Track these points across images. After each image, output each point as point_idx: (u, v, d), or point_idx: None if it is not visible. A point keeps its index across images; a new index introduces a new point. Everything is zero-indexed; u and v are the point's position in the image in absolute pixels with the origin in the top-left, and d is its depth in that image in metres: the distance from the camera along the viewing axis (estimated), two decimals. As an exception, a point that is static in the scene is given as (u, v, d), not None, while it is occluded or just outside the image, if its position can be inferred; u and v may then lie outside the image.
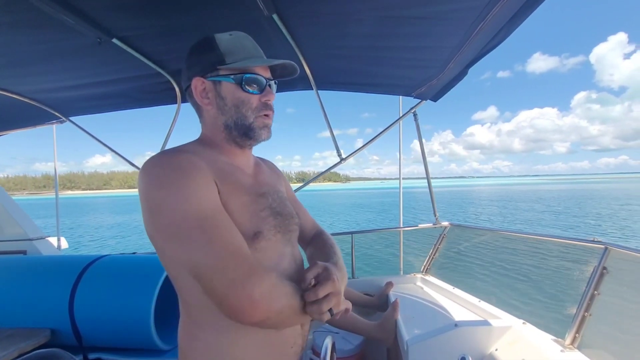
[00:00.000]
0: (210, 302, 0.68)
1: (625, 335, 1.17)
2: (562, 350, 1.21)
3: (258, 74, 0.78)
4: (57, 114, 2.48)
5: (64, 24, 1.30)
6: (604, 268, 1.25)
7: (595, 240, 1.35)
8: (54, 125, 2.81)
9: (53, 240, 2.97)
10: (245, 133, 0.79)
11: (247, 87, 0.76)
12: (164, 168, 0.66)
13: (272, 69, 0.84)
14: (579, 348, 1.22)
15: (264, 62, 0.77)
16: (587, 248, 1.38)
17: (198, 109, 0.83)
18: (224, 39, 0.77)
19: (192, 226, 0.62)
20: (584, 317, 1.25)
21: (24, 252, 2.68)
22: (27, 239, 2.72)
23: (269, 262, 0.75)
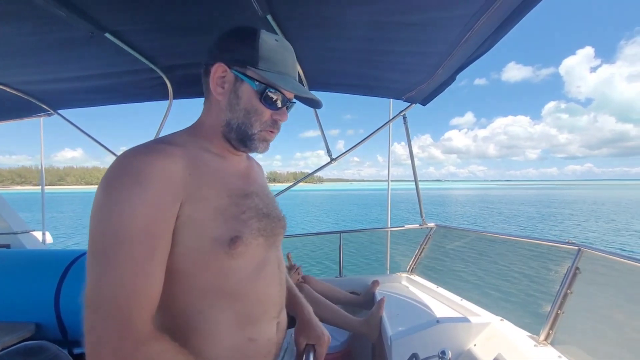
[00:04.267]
0: (181, 306, 0.65)
1: (594, 331, 1.24)
2: (535, 345, 1.27)
3: (281, 93, 0.73)
4: (44, 106, 2.44)
5: (56, 17, 1.28)
6: (577, 268, 1.32)
7: (570, 242, 1.42)
8: (41, 118, 2.77)
9: (38, 234, 2.92)
10: (242, 140, 0.75)
11: (265, 100, 0.72)
12: (121, 169, 0.59)
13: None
14: (552, 344, 1.29)
15: (295, 91, 0.72)
16: (562, 249, 1.45)
17: (208, 91, 0.76)
18: (268, 42, 0.72)
19: (104, 246, 0.55)
20: (557, 315, 1.31)
21: (7, 246, 2.63)
22: (11, 232, 2.67)
23: (249, 269, 0.71)
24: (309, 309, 0.97)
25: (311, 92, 2.42)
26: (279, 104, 0.74)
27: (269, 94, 0.72)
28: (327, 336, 0.92)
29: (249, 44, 0.71)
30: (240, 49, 0.72)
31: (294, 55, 0.78)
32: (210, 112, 0.77)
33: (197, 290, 0.65)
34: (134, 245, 0.55)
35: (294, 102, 0.80)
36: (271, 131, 0.76)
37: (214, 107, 0.76)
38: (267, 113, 0.74)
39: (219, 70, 0.72)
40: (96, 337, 0.52)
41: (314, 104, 0.81)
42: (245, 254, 0.69)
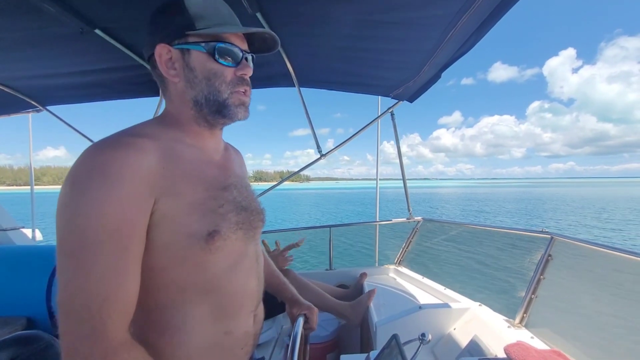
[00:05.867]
0: (151, 301, 0.63)
1: (564, 313, 1.33)
2: (509, 327, 1.36)
3: (233, 44, 0.69)
4: (33, 102, 2.43)
5: (46, 13, 1.28)
6: (549, 255, 1.41)
7: (544, 230, 1.51)
8: (30, 115, 2.75)
9: (27, 231, 2.91)
10: (218, 110, 0.71)
11: (220, 57, 0.68)
12: (88, 165, 0.55)
13: (250, 42, 0.76)
14: (526, 326, 1.37)
15: (240, 30, 0.69)
16: (536, 238, 1.54)
17: (162, 82, 0.72)
18: (195, 2, 0.67)
19: (72, 247, 0.52)
20: (531, 299, 1.40)
21: None
22: (0, 229, 2.66)
23: (226, 263, 0.69)
24: (294, 290, 1.12)
25: (302, 89, 2.46)
26: (236, 57, 0.70)
27: (221, 48, 0.68)
28: (315, 307, 1.07)
29: (176, 11, 0.67)
30: (170, 20, 0.67)
31: (225, 4, 0.74)
32: (172, 101, 0.73)
33: (172, 286, 0.64)
34: (104, 246, 0.53)
35: (252, 55, 0.75)
36: (242, 91, 0.72)
37: (174, 94, 0.72)
38: (228, 72, 0.70)
39: (162, 52, 0.68)
40: (68, 343, 0.51)
41: (271, 43, 0.77)
42: (223, 248, 0.67)
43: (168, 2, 0.69)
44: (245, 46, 0.73)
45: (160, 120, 0.72)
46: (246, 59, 0.73)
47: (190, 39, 0.67)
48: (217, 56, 0.68)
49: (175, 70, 0.69)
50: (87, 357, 0.51)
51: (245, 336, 0.75)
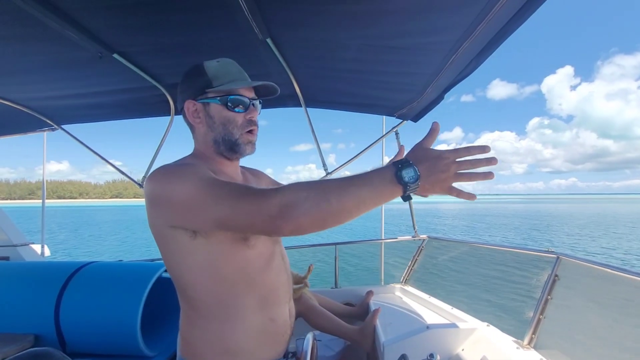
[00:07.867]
0: (213, 296, 0.80)
1: (573, 334, 1.32)
2: (518, 349, 1.34)
3: (241, 95, 0.88)
4: (48, 121, 2.51)
5: (68, 39, 1.36)
6: (556, 275, 1.41)
7: (550, 250, 1.51)
8: (45, 133, 2.83)
9: (36, 247, 2.94)
10: (231, 148, 0.90)
11: (232, 106, 0.87)
12: (168, 170, 0.77)
13: (257, 89, 0.94)
14: (535, 347, 1.36)
15: (243, 85, 0.88)
16: (542, 258, 1.54)
17: (191, 127, 0.93)
18: (212, 65, 0.88)
19: (202, 188, 0.72)
20: (539, 320, 1.39)
21: (7, 258, 2.65)
22: (11, 245, 2.69)
23: (262, 261, 0.85)
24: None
25: (308, 109, 2.52)
26: (245, 104, 0.88)
27: (232, 99, 0.86)
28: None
29: (199, 75, 0.87)
30: (195, 82, 0.88)
31: (236, 64, 0.93)
32: (199, 141, 0.93)
33: (225, 282, 0.80)
34: (211, 180, 0.73)
35: (259, 100, 0.94)
36: (250, 131, 0.90)
37: (200, 136, 0.92)
38: (239, 117, 0.88)
39: (190, 106, 0.88)
40: (255, 210, 0.67)
41: (272, 90, 0.95)
42: (257, 246, 0.83)
43: (192, 68, 0.89)
44: (252, 94, 0.91)
45: (193, 156, 0.93)
46: (253, 104, 0.90)
47: (210, 95, 0.86)
48: (230, 105, 0.86)
49: (199, 119, 0.89)
50: (269, 208, 0.65)
51: (285, 325, 0.90)
